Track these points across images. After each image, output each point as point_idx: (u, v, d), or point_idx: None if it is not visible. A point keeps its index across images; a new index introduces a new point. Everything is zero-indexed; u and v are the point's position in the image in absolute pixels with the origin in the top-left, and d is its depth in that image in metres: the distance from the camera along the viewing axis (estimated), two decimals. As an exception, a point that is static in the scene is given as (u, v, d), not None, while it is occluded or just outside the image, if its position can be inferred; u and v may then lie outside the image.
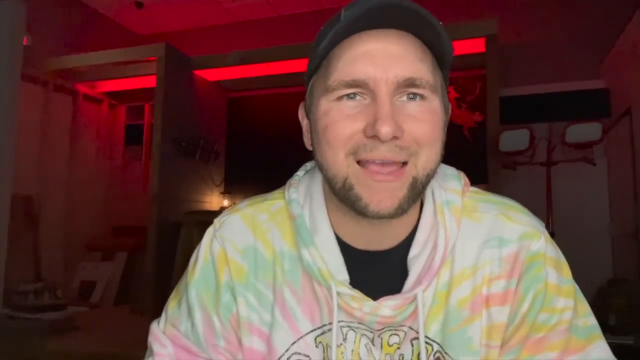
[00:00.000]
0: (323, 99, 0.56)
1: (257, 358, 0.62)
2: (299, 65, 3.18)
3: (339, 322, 0.59)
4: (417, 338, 0.59)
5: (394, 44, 0.54)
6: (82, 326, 2.54)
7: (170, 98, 3.19)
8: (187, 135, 3.31)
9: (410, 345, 0.59)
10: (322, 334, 0.60)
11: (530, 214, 0.63)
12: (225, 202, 3.72)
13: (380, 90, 0.53)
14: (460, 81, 3.28)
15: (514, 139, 2.59)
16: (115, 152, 4.05)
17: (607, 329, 2.31)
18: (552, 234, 2.62)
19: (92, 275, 3.41)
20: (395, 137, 0.52)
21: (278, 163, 2.93)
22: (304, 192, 0.66)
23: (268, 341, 0.61)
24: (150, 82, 3.33)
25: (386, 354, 0.59)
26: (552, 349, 0.56)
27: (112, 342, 2.30)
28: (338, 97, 0.55)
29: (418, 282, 0.58)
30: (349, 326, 0.60)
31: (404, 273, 0.59)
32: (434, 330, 0.59)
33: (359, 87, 0.54)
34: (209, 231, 0.68)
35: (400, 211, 0.54)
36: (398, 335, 0.59)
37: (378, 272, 0.61)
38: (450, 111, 0.61)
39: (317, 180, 0.65)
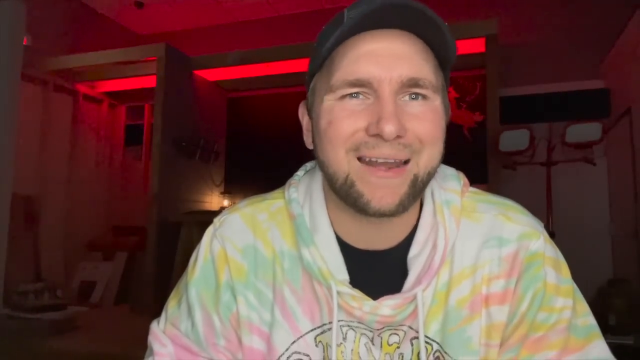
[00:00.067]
0: (326, 98, 0.56)
1: (257, 357, 0.62)
2: (299, 65, 3.18)
3: (338, 321, 0.59)
4: (416, 337, 0.59)
5: (397, 44, 0.54)
6: (82, 326, 2.54)
7: (170, 98, 3.19)
8: (187, 135, 3.31)
9: (410, 345, 0.59)
10: (322, 333, 0.60)
11: (529, 214, 0.63)
12: (225, 202, 3.72)
13: (384, 90, 0.53)
14: (460, 81, 3.28)
15: (514, 139, 2.59)
16: (115, 152, 4.05)
17: (607, 329, 2.31)
18: (552, 234, 2.62)
19: (92, 275, 3.42)
20: (398, 136, 0.52)
21: (278, 163, 2.94)
22: (303, 191, 0.66)
23: (268, 340, 0.61)
24: (150, 82, 3.33)
25: (386, 353, 0.60)
26: (551, 348, 0.56)
27: (112, 342, 2.30)
28: (341, 96, 0.55)
29: (418, 281, 0.58)
30: (348, 325, 0.60)
31: (403, 273, 0.59)
32: (433, 330, 0.59)
33: (363, 86, 0.54)
34: (209, 230, 0.68)
35: (401, 208, 0.55)
36: (398, 334, 0.59)
37: (378, 271, 0.61)
38: (450, 112, 0.61)
39: (317, 180, 0.65)
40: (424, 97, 0.55)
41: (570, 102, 3.07)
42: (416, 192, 0.56)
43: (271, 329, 0.61)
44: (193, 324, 0.63)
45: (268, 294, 0.63)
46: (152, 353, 0.63)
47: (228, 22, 4.09)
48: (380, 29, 0.54)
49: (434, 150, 0.55)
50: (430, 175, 0.57)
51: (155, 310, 0.70)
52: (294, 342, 0.61)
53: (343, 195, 0.56)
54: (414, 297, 0.57)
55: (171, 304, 0.67)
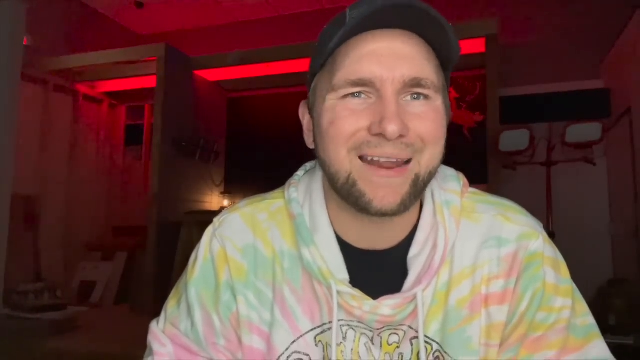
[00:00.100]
0: (328, 97, 0.56)
1: (257, 357, 0.62)
2: (299, 65, 3.18)
3: (338, 321, 0.59)
4: (416, 337, 0.59)
5: (400, 44, 0.54)
6: (82, 326, 2.54)
7: (170, 98, 3.19)
8: (187, 135, 3.31)
9: (409, 345, 0.59)
10: (322, 332, 0.61)
11: (528, 215, 0.64)
12: (225, 202, 3.72)
13: (387, 90, 0.53)
14: (460, 81, 3.28)
15: (513, 139, 2.59)
16: (115, 152, 4.05)
17: (607, 329, 2.31)
18: (552, 234, 2.62)
19: (92, 275, 3.41)
20: (401, 136, 0.52)
21: (278, 163, 2.93)
22: (303, 191, 0.66)
23: (268, 340, 0.62)
24: (150, 82, 3.33)
25: (385, 353, 0.60)
26: (550, 348, 0.56)
27: (112, 341, 2.30)
28: (343, 96, 0.55)
29: (418, 281, 0.58)
30: (348, 325, 0.60)
31: (403, 272, 0.59)
32: (433, 330, 0.59)
33: (365, 86, 0.54)
34: (209, 230, 0.68)
35: (402, 207, 0.55)
36: (397, 334, 0.60)
37: (378, 271, 0.61)
38: (451, 112, 0.61)
39: (317, 180, 0.65)
40: (426, 97, 0.55)
41: (570, 102, 3.06)
42: (417, 192, 0.56)
43: (271, 328, 0.61)
44: (193, 324, 0.63)
45: (268, 293, 0.63)
46: (151, 353, 0.63)
47: (228, 22, 4.08)
48: (383, 29, 0.54)
49: (436, 150, 0.56)
50: (432, 175, 0.57)
51: (155, 310, 0.70)
52: (294, 341, 0.61)
53: (344, 195, 0.56)
54: (414, 297, 0.57)
55: (171, 304, 0.67)
